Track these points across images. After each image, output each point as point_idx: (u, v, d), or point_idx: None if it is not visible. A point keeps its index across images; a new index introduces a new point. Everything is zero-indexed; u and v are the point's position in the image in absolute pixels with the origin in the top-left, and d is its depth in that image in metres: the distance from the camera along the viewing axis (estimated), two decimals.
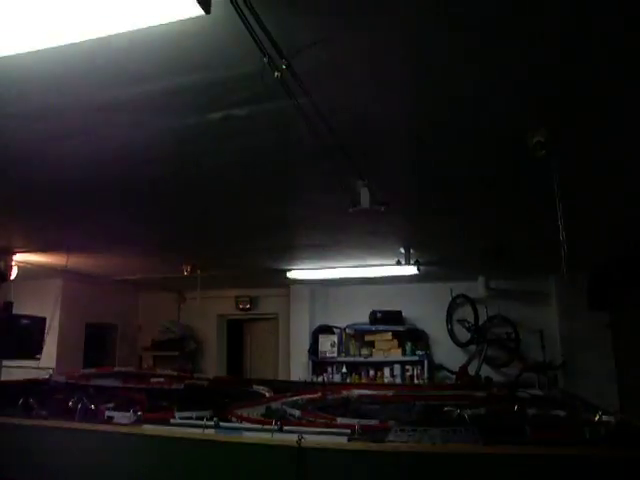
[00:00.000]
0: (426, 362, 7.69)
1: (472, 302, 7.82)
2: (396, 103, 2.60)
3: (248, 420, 3.02)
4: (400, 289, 8.25)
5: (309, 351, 8.15)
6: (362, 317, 8.15)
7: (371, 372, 7.90)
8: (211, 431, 2.66)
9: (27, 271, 6.96)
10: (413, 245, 5.45)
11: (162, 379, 4.83)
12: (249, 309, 9.11)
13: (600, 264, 6.52)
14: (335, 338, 8.07)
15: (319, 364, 8.11)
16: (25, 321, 6.17)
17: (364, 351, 7.92)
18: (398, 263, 5.63)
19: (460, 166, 3.39)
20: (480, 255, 5.82)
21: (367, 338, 8.01)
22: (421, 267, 6.48)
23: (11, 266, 6.27)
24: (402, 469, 2.23)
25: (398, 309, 8.03)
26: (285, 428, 2.56)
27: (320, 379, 7.93)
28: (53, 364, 7.74)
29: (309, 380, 5.68)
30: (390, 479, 2.25)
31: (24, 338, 6.09)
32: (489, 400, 3.75)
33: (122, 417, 2.93)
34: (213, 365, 9.37)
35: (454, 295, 8.04)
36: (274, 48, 1.99)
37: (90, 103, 2.53)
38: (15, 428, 3.13)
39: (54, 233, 5.36)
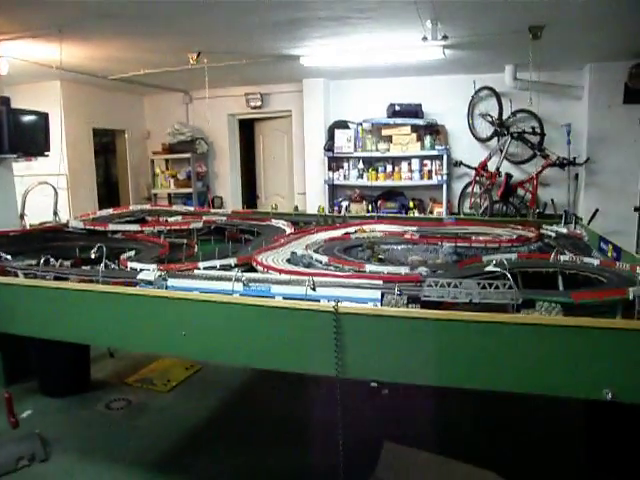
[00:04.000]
0: (445, 157, 7.47)
1: (497, 95, 7.40)
2: None
3: (275, 270, 2.93)
4: (421, 82, 7.76)
5: (325, 148, 7.92)
6: (379, 113, 7.76)
7: (388, 168, 7.73)
8: (239, 286, 2.54)
9: (21, 70, 6.48)
10: (442, 17, 4.85)
11: (180, 218, 4.86)
12: (260, 107, 8.69)
13: None
14: (351, 133, 7.78)
15: (335, 160, 7.93)
16: (27, 117, 5.90)
17: (381, 146, 7.64)
18: (424, 39, 5.08)
19: None
20: (514, 35, 5.24)
21: (384, 132, 7.68)
22: (447, 51, 5.93)
23: None
24: (440, 334, 2.18)
25: (418, 102, 7.62)
26: (317, 280, 2.50)
27: (336, 176, 7.88)
28: (66, 171, 7.66)
29: (329, 213, 5.92)
30: (428, 343, 2.20)
31: (29, 133, 5.87)
32: (518, 241, 3.79)
33: (146, 273, 2.83)
34: (226, 167, 9.26)
35: (478, 88, 7.57)
36: None
37: None
38: (34, 289, 3.01)
39: (43, 11, 4.81)
